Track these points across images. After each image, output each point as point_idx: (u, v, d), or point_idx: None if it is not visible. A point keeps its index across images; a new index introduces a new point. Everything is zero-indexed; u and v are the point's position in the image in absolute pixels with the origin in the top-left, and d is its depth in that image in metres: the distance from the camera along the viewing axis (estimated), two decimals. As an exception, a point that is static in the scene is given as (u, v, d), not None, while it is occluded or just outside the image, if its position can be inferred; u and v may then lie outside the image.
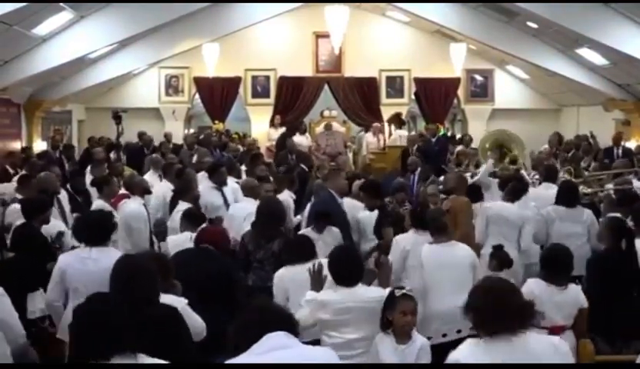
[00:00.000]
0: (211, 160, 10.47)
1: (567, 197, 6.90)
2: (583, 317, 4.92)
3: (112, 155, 12.78)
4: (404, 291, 4.20)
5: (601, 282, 5.34)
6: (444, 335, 4.90)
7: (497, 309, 3.01)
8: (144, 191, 7.47)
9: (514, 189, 7.16)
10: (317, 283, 4.45)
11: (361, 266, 4.51)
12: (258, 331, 2.82)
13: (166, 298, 4.05)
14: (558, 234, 6.71)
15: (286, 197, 8.12)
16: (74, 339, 2.99)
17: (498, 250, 5.89)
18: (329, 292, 4.35)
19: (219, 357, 2.97)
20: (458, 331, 4.87)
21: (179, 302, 4.11)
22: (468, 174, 10.33)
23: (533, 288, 4.89)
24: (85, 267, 4.79)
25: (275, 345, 2.78)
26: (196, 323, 4.15)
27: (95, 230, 4.94)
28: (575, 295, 4.95)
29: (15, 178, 8.48)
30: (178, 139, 15.29)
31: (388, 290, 4.46)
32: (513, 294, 3.12)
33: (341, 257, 4.49)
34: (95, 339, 2.83)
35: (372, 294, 4.37)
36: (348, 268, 4.38)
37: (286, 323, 2.89)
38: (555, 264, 5.00)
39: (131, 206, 7.10)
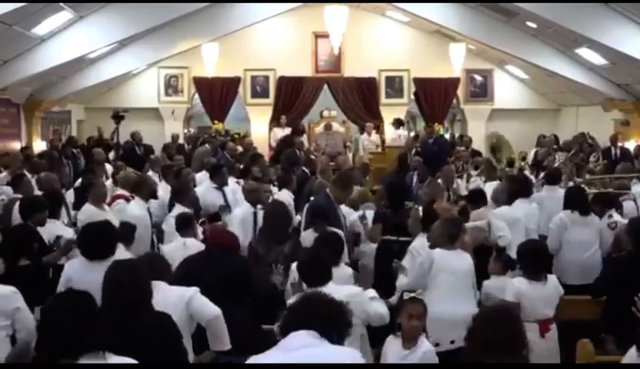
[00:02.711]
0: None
1: (579, 203, 6.74)
2: (561, 302, 5.21)
3: (112, 155, 12.83)
4: (412, 295, 4.17)
5: (622, 284, 5.30)
6: (452, 342, 4.88)
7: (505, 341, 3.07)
8: (151, 194, 7.27)
9: (519, 189, 7.15)
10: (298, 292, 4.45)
11: (328, 266, 4.47)
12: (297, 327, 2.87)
13: (176, 290, 4.06)
14: (571, 241, 6.62)
15: (285, 196, 8.12)
16: (41, 337, 2.99)
17: (501, 252, 5.90)
18: (299, 295, 4.34)
19: (243, 358, 2.98)
20: (452, 342, 4.87)
21: (189, 291, 4.11)
22: (464, 176, 10.38)
23: (521, 287, 5.06)
24: (92, 276, 4.71)
25: (297, 344, 2.81)
26: (208, 309, 4.13)
27: (97, 245, 4.89)
28: (555, 285, 5.21)
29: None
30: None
31: (368, 290, 4.51)
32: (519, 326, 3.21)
33: (307, 259, 4.56)
34: (60, 337, 2.82)
35: (343, 291, 4.26)
36: (315, 269, 4.41)
37: (325, 323, 2.89)
38: (535, 260, 5.19)
39: (134, 211, 6.89)
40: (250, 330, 4.73)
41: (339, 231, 6.29)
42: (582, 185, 8.59)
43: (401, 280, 5.39)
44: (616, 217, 6.94)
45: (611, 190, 8.44)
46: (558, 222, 6.70)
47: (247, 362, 2.92)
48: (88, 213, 6.71)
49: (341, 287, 4.46)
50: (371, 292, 4.54)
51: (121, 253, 5.17)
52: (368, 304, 4.36)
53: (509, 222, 6.67)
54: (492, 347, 3.04)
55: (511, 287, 5.08)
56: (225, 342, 4.22)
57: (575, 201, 6.77)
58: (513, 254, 5.84)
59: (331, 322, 2.90)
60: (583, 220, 6.67)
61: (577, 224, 6.65)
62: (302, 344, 2.80)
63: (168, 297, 4.07)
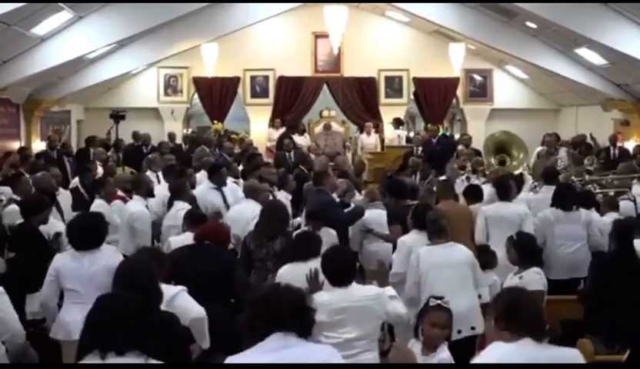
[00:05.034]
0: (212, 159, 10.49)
1: (563, 199, 6.91)
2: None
3: (110, 154, 12.81)
4: (439, 302, 4.11)
5: (606, 285, 5.33)
6: (459, 331, 4.90)
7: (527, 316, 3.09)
8: (148, 191, 7.37)
9: (508, 187, 7.20)
10: (314, 288, 4.43)
11: (353, 265, 4.48)
12: (265, 328, 2.85)
13: (163, 288, 4.04)
14: (556, 237, 6.75)
15: (282, 196, 8.13)
16: (88, 329, 2.99)
17: (483, 252, 5.95)
18: (324, 293, 4.33)
19: (218, 355, 2.98)
20: (459, 332, 4.89)
21: (173, 289, 4.12)
22: (464, 176, 10.38)
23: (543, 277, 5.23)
24: (81, 266, 4.80)
25: (278, 345, 2.81)
26: (194, 307, 4.15)
27: (85, 236, 4.93)
28: None
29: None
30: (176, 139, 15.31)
31: (385, 289, 4.49)
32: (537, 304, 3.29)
33: (333, 257, 4.48)
34: (112, 332, 2.87)
35: (367, 292, 4.37)
36: (341, 268, 4.37)
37: (296, 320, 2.90)
38: (536, 250, 5.48)
39: (135, 208, 6.99)
40: (229, 329, 4.73)
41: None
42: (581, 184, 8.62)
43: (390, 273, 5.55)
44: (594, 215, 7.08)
45: (612, 190, 8.45)
46: (542, 218, 6.90)
47: (226, 361, 2.91)
48: (101, 208, 6.81)
49: (363, 286, 4.49)
50: (391, 291, 4.55)
51: (106, 248, 5.16)
52: (388, 303, 4.36)
53: (493, 220, 6.81)
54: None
55: (538, 277, 5.20)
56: (205, 342, 4.26)
57: (559, 198, 6.94)
58: (499, 251, 5.94)
59: (299, 317, 2.91)
60: (567, 216, 6.80)
61: (561, 221, 6.79)
62: (284, 345, 2.82)
63: None
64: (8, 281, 4.42)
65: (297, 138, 14.87)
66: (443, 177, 9.83)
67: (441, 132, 16.00)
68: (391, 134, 16.35)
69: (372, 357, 4.28)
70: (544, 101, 17.80)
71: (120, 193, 7.67)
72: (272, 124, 16.62)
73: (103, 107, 15.77)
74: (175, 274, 4.47)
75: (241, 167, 10.02)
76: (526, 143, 14.68)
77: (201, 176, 8.97)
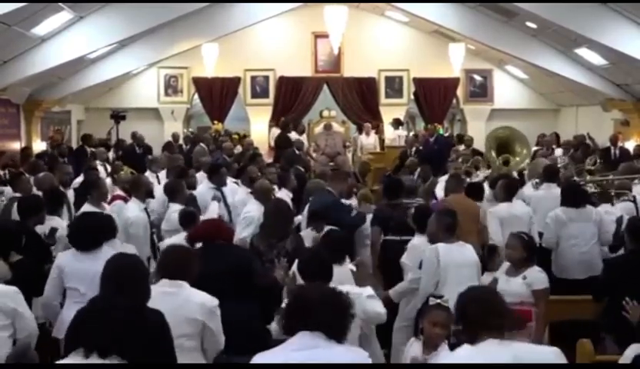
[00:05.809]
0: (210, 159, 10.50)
1: (573, 197, 6.81)
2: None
3: (111, 154, 12.85)
4: (438, 301, 4.11)
5: (620, 284, 5.31)
6: None
7: (487, 316, 3.01)
8: (147, 193, 7.21)
9: (510, 186, 7.17)
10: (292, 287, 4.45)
11: (329, 266, 4.40)
12: (294, 326, 2.84)
13: (200, 294, 4.05)
14: (569, 236, 6.68)
15: (283, 195, 8.12)
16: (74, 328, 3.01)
17: (492, 252, 5.96)
18: (296, 288, 4.32)
19: (247, 357, 2.98)
20: None
21: (212, 302, 4.07)
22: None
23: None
24: (83, 265, 4.80)
25: (303, 344, 2.80)
26: (219, 338, 4.10)
27: (86, 237, 4.93)
28: None
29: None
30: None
31: (365, 289, 4.48)
32: (501, 302, 3.16)
33: (308, 257, 4.49)
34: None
35: (345, 291, 4.34)
36: (316, 269, 4.33)
37: (324, 320, 2.87)
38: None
39: (130, 211, 6.84)
40: (257, 325, 4.72)
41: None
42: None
43: (408, 277, 5.53)
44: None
45: (612, 190, 8.44)
46: (554, 217, 6.76)
47: (252, 360, 2.92)
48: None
49: (340, 287, 4.44)
50: (369, 290, 4.53)
51: (119, 246, 5.15)
52: (366, 303, 4.35)
53: (507, 220, 6.74)
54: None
55: (542, 275, 5.21)
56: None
57: (569, 196, 6.84)
58: None
59: (328, 316, 2.88)
60: (579, 214, 6.72)
61: (573, 219, 6.71)
62: (308, 345, 2.80)
63: (191, 298, 4.03)
64: (13, 285, 4.40)
65: (297, 138, 14.87)
66: (445, 178, 9.84)
67: (440, 131, 16.02)
68: (391, 134, 16.38)
69: None
70: (544, 101, 17.81)
71: (121, 193, 7.64)
72: (277, 123, 16.60)
73: (103, 107, 15.80)
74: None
75: (239, 167, 10.02)
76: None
77: (201, 176, 8.98)
